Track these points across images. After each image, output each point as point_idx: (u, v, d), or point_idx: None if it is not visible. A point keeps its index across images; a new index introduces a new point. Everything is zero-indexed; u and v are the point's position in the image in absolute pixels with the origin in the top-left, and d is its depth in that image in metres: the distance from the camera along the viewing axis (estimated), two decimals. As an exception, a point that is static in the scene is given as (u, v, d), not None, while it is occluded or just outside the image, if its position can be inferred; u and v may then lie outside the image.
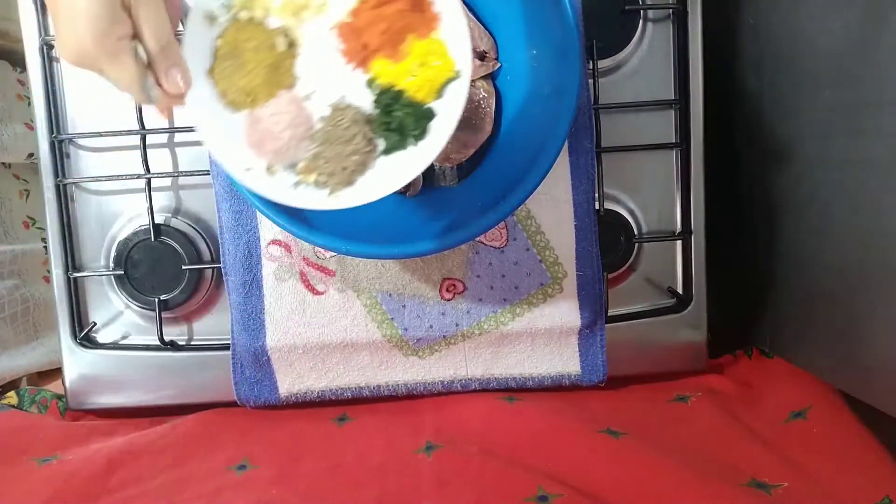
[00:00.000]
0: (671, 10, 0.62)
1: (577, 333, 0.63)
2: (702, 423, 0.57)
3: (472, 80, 0.53)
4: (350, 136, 0.47)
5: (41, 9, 0.61)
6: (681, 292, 0.65)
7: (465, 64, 0.46)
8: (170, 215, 0.63)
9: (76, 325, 0.64)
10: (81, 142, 0.63)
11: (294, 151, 0.48)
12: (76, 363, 0.64)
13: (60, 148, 0.62)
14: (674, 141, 0.64)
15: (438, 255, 0.61)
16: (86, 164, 0.63)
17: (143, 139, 0.61)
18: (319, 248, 0.61)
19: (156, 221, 0.62)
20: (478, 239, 0.61)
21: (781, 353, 0.63)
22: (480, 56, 0.56)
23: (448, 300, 0.62)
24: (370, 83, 0.48)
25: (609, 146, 0.62)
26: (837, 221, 0.54)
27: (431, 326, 0.62)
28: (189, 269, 0.63)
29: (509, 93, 0.56)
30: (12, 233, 0.77)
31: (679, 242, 0.65)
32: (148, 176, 0.61)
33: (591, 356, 0.63)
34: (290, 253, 0.61)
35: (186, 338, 0.65)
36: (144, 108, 0.61)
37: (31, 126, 0.74)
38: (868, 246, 0.50)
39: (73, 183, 0.63)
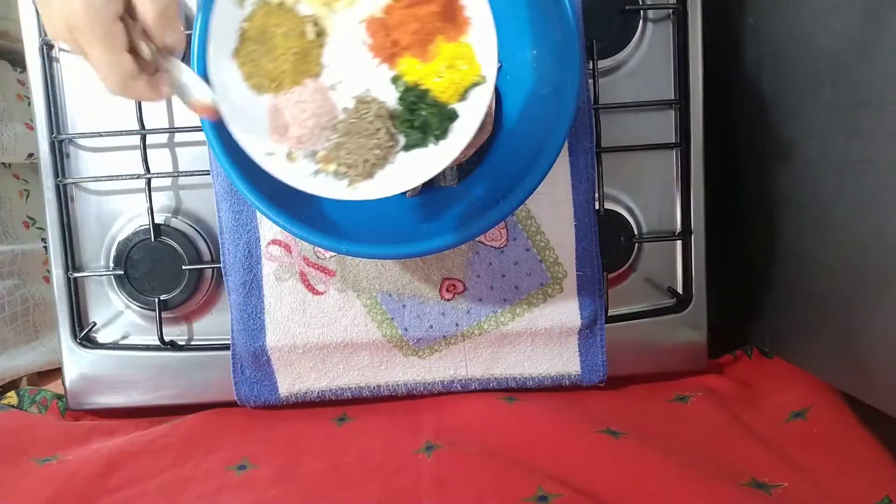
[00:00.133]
0: (671, 10, 0.62)
1: (577, 333, 0.63)
2: (702, 423, 0.57)
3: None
4: (374, 130, 0.48)
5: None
6: (681, 292, 0.65)
7: (491, 70, 0.46)
8: (170, 215, 0.63)
9: (76, 325, 0.64)
10: (81, 142, 0.63)
11: (316, 140, 0.48)
12: (76, 363, 0.64)
13: (60, 148, 0.62)
14: (674, 141, 0.64)
15: (438, 255, 0.61)
16: (86, 164, 0.63)
17: (143, 139, 0.61)
18: (319, 248, 0.61)
19: (156, 221, 0.62)
20: (478, 239, 0.61)
21: (781, 353, 0.63)
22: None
23: (448, 300, 0.62)
24: (395, 80, 0.49)
25: (609, 146, 0.62)
26: (837, 221, 0.54)
27: (431, 326, 0.62)
28: (189, 269, 0.63)
29: (509, 93, 0.56)
30: (12, 233, 0.77)
31: (679, 242, 0.65)
32: (148, 176, 0.61)
33: (591, 356, 0.63)
34: (290, 253, 0.61)
35: (186, 338, 0.65)
36: (144, 107, 0.61)
37: (31, 126, 0.74)
38: (868, 246, 0.50)
39: (73, 183, 0.63)
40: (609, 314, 0.64)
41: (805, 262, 0.59)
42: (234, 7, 0.46)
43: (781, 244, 0.62)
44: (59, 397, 0.66)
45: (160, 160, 0.63)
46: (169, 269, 0.63)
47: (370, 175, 0.48)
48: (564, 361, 0.64)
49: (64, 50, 0.61)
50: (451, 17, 0.47)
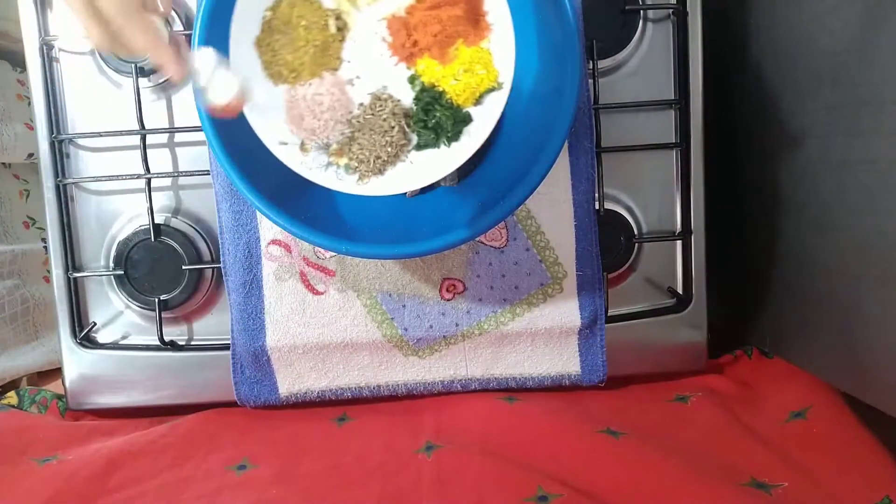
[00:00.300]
0: (671, 10, 0.62)
1: (577, 333, 0.63)
2: (702, 423, 0.57)
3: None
4: (388, 128, 0.48)
5: (41, 9, 0.61)
6: (681, 292, 0.65)
7: (508, 77, 0.47)
8: (170, 215, 0.63)
9: (76, 325, 0.64)
10: (81, 142, 0.63)
11: (330, 133, 0.49)
12: (76, 363, 0.64)
13: (60, 148, 0.62)
14: (674, 141, 0.64)
15: (438, 255, 0.61)
16: (86, 164, 0.63)
17: (143, 139, 0.61)
18: (319, 248, 0.61)
19: (156, 221, 0.62)
20: (478, 239, 0.61)
21: (781, 353, 0.63)
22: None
23: (448, 300, 0.62)
24: (412, 79, 0.49)
25: (609, 146, 0.62)
26: (837, 221, 0.54)
27: (431, 326, 0.62)
28: (189, 269, 0.63)
29: (509, 93, 0.56)
30: (12, 233, 0.77)
31: (679, 242, 0.65)
32: (148, 176, 0.61)
33: (591, 356, 0.63)
34: (290, 253, 0.61)
35: (186, 338, 0.65)
36: (144, 107, 0.61)
37: (31, 126, 0.74)
38: (868, 246, 0.50)
39: (73, 183, 0.63)
40: (609, 314, 0.64)
41: (805, 262, 0.59)
42: None
43: (781, 244, 0.62)
44: (59, 397, 0.66)
45: (160, 160, 0.63)
46: (169, 269, 0.63)
47: (381, 171, 0.49)
48: (564, 361, 0.64)
49: (64, 50, 0.61)
50: (473, 22, 0.48)
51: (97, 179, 0.62)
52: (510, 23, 0.47)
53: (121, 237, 0.63)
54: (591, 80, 0.61)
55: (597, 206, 0.62)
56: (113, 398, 0.64)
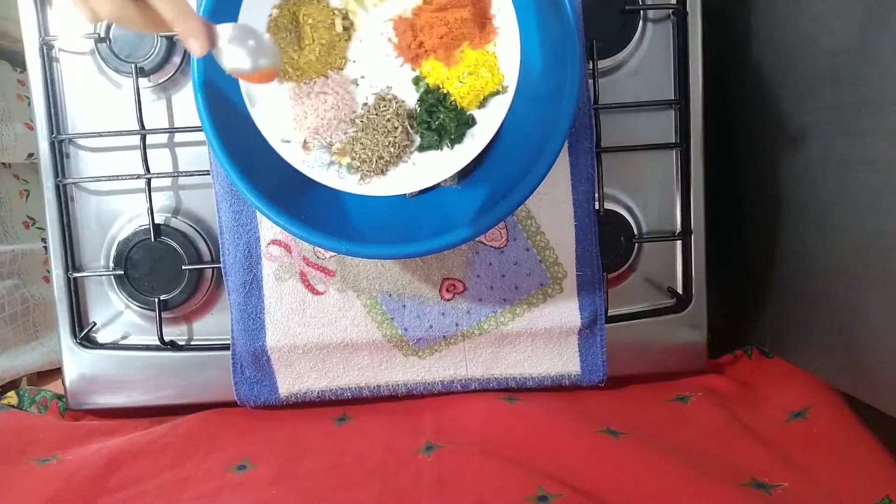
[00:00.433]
0: (671, 10, 0.62)
1: (577, 333, 0.63)
2: (702, 423, 0.57)
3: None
4: (391, 128, 0.49)
5: (41, 9, 0.61)
6: (681, 292, 0.65)
7: (512, 80, 0.47)
8: (170, 215, 0.63)
9: (76, 325, 0.64)
10: (81, 142, 0.63)
11: (333, 132, 0.49)
12: (76, 363, 0.64)
13: (60, 148, 0.62)
14: (674, 141, 0.64)
15: (438, 255, 0.61)
16: (86, 164, 0.63)
17: (143, 139, 0.61)
18: (319, 248, 0.61)
19: (156, 221, 0.62)
20: (478, 239, 0.61)
21: (781, 353, 0.63)
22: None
23: (448, 300, 0.62)
24: (417, 81, 0.49)
25: (609, 146, 0.62)
26: (837, 221, 0.54)
27: (431, 326, 0.62)
28: (189, 269, 0.63)
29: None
30: (12, 233, 0.77)
31: (679, 242, 0.65)
32: (148, 176, 0.61)
33: (591, 356, 0.63)
34: (290, 253, 0.61)
35: (186, 338, 0.65)
36: (144, 107, 0.61)
37: (31, 126, 0.74)
38: (868, 246, 0.50)
39: (73, 183, 0.63)
40: (609, 314, 0.64)
41: (805, 262, 0.59)
42: None
43: (781, 244, 0.62)
44: (59, 397, 0.66)
45: (160, 160, 0.63)
46: (169, 269, 0.63)
47: (383, 172, 0.49)
48: (564, 361, 0.64)
49: (64, 50, 0.61)
50: (480, 25, 0.48)
51: (97, 179, 0.62)
52: (516, 26, 0.47)
53: (121, 237, 0.63)
54: (591, 80, 0.61)
55: (597, 206, 0.62)
56: (113, 398, 0.64)
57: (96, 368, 0.64)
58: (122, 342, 0.65)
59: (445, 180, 0.57)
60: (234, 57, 0.42)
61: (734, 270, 0.71)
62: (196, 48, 0.41)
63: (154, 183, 0.62)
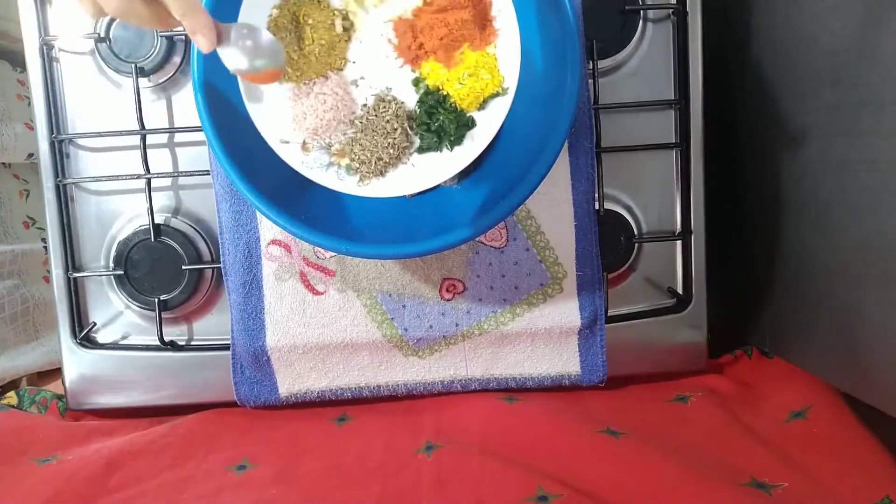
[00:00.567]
0: (671, 10, 0.62)
1: (577, 333, 0.63)
2: (702, 423, 0.57)
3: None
4: (391, 130, 0.49)
5: (41, 9, 0.61)
6: (681, 292, 0.65)
7: (512, 82, 0.47)
8: (170, 215, 0.63)
9: (76, 325, 0.64)
10: (81, 142, 0.63)
11: (332, 133, 0.49)
12: (76, 363, 0.64)
13: (60, 148, 0.62)
14: (674, 141, 0.64)
15: (438, 256, 0.61)
16: (86, 164, 0.63)
17: (143, 139, 0.61)
18: (319, 248, 0.61)
19: (156, 221, 0.62)
20: (478, 239, 0.61)
21: (781, 353, 0.63)
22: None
23: (448, 300, 0.62)
24: (417, 82, 0.49)
25: (609, 146, 0.62)
26: (837, 221, 0.54)
27: (431, 326, 0.62)
28: (189, 269, 0.63)
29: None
30: (12, 233, 0.77)
31: (679, 242, 0.65)
32: (148, 176, 0.61)
33: (591, 356, 0.63)
34: (290, 253, 0.61)
35: (186, 338, 0.65)
36: (144, 107, 0.61)
37: (31, 126, 0.74)
38: (868, 246, 0.50)
39: (73, 183, 0.63)
40: (609, 314, 0.64)
41: (805, 262, 0.59)
42: None
43: (781, 244, 0.62)
44: (59, 397, 0.66)
45: (160, 160, 0.63)
46: (169, 269, 0.63)
47: (382, 173, 0.49)
48: (564, 361, 0.64)
49: (64, 50, 0.61)
50: (480, 27, 0.48)
51: (97, 179, 0.62)
52: (517, 28, 0.47)
53: (121, 237, 0.63)
54: (591, 80, 0.61)
55: (597, 206, 0.62)
56: (113, 398, 0.64)
57: (96, 368, 0.64)
58: (122, 342, 0.65)
59: (445, 181, 0.57)
60: (238, 55, 0.42)
61: (734, 270, 0.71)
62: (203, 44, 0.41)
63: (154, 183, 0.62)
